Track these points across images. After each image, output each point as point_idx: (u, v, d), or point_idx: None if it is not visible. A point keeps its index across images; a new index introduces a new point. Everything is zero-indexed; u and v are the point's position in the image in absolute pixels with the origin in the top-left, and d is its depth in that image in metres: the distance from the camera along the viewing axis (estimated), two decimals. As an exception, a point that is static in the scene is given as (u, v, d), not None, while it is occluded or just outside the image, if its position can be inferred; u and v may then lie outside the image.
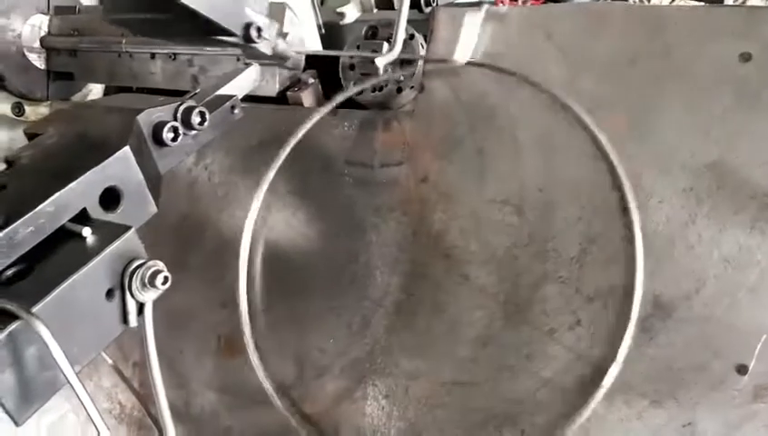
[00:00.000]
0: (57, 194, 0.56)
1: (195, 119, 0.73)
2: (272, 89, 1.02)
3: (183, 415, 1.11)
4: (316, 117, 0.98)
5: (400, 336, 0.95)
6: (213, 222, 1.10)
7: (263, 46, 0.85)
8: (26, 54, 1.23)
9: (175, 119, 0.71)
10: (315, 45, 1.00)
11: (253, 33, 0.80)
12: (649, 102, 0.83)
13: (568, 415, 0.84)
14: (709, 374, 0.77)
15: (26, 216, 0.54)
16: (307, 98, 1.06)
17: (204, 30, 0.76)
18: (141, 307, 0.58)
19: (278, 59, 0.88)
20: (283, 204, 1.04)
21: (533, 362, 0.85)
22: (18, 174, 0.64)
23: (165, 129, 0.70)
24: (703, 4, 1.31)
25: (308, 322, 1.02)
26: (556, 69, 0.88)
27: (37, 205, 0.55)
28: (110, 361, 1.17)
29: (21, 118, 1.26)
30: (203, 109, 0.74)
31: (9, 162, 0.65)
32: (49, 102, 1.27)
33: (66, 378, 0.50)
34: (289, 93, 1.06)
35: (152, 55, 1.10)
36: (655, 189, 0.81)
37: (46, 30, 1.22)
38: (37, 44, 1.23)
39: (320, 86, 1.08)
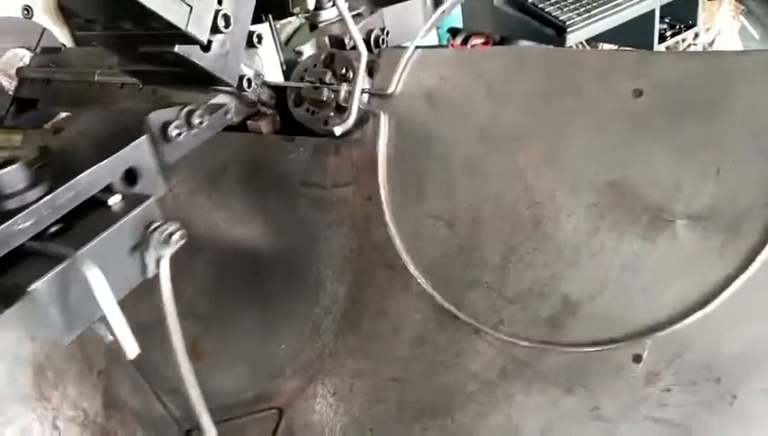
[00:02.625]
0: (90, 169, 0.70)
1: (196, 120, 0.89)
2: (232, 120, 1.13)
3: (145, 419, 1.19)
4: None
5: (347, 339, 1.06)
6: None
7: (251, 94, 1.03)
8: (2, 84, 1.32)
9: (180, 118, 0.87)
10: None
11: (245, 84, 0.98)
12: (561, 132, 0.97)
13: (494, 404, 0.95)
14: (610, 364, 0.90)
15: (66, 184, 0.67)
16: (265, 127, 1.18)
17: (207, 81, 0.90)
18: (158, 262, 0.71)
19: (240, 90, 1.01)
20: (240, 221, 1.15)
21: (462, 358, 0.97)
22: (55, 155, 0.79)
23: (171, 126, 0.85)
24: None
25: (263, 329, 1.12)
26: (483, 103, 1.01)
27: (75, 177, 0.68)
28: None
29: None
30: (203, 111, 0.90)
31: (44, 148, 0.81)
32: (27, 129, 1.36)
33: (104, 308, 0.63)
34: (249, 122, 1.17)
35: (122, 85, 1.20)
36: (565, 205, 0.94)
37: (27, 63, 1.32)
38: (12, 71, 1.33)
39: (277, 117, 1.20)
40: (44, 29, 1.26)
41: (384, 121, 1.07)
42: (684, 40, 2.78)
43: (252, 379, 1.11)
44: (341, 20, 1.13)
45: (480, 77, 1.03)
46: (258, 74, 1.04)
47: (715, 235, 0.87)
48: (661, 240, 0.89)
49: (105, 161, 0.72)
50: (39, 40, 1.32)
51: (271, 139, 1.12)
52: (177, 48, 0.80)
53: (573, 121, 0.96)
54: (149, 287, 1.17)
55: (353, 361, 1.04)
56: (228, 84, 0.92)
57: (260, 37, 1.02)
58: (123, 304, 0.67)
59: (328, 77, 1.09)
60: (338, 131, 1.05)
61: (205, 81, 0.90)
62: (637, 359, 0.88)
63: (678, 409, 0.87)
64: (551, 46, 1.34)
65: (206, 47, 0.83)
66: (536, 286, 0.94)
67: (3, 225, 0.61)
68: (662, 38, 2.13)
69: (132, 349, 0.66)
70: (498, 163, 0.99)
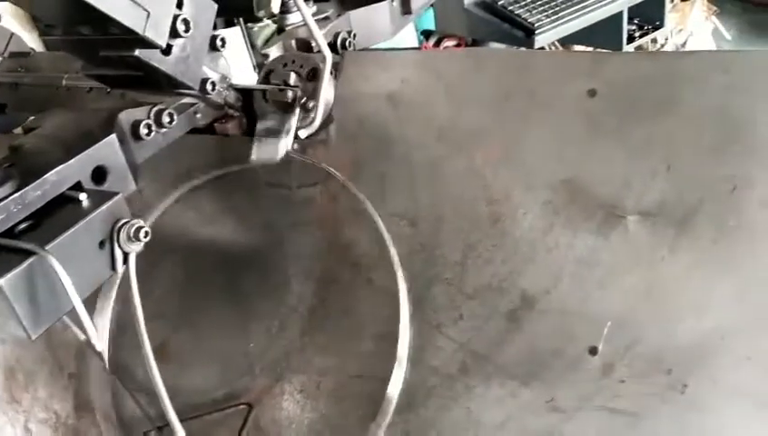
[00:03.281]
0: (59, 167, 0.72)
1: (165, 119, 0.91)
2: (200, 122, 1.15)
3: (117, 419, 1.20)
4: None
5: (314, 337, 1.08)
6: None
7: (215, 96, 1.03)
8: None
9: (149, 118, 0.89)
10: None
11: (209, 87, 0.98)
12: (518, 131, 1.00)
13: (455, 398, 0.97)
14: (566, 356, 0.92)
15: (35, 183, 0.69)
16: (232, 129, 1.19)
17: (169, 85, 0.91)
18: (125, 257, 0.73)
19: (204, 93, 1.02)
20: (209, 221, 1.16)
21: (423, 353, 0.99)
22: (25, 154, 0.80)
23: (141, 125, 0.88)
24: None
25: (232, 328, 1.13)
26: (442, 105, 1.04)
27: (44, 175, 0.70)
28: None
29: None
30: (172, 111, 0.93)
31: (14, 147, 0.82)
32: None
33: (72, 300, 0.65)
34: (216, 124, 1.19)
35: (90, 89, 1.21)
36: (521, 202, 0.96)
37: None
38: None
39: (244, 119, 1.21)
40: (12, 33, 1.27)
41: (348, 122, 1.09)
42: (654, 41, 2.83)
43: (222, 377, 1.13)
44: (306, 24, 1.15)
45: (440, 79, 1.05)
46: (224, 78, 1.05)
47: (666, 230, 0.90)
48: (614, 235, 0.92)
49: (74, 159, 0.74)
50: (7, 44, 1.33)
51: (238, 141, 1.13)
52: (137, 52, 0.81)
53: (529, 121, 0.99)
54: (118, 289, 1.19)
55: (320, 359, 1.06)
56: (190, 88, 0.94)
57: (223, 41, 1.04)
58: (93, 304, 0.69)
59: (293, 79, 1.11)
60: (303, 134, 1.08)
61: (168, 84, 0.91)
62: (593, 351, 0.91)
63: (632, 399, 0.89)
64: (513, 48, 1.36)
65: (166, 51, 0.84)
66: (495, 282, 0.96)
67: None
68: (630, 39, 2.17)
69: (99, 342, 0.68)
70: (458, 162, 1.01)
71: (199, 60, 0.92)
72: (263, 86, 1.12)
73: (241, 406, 1.11)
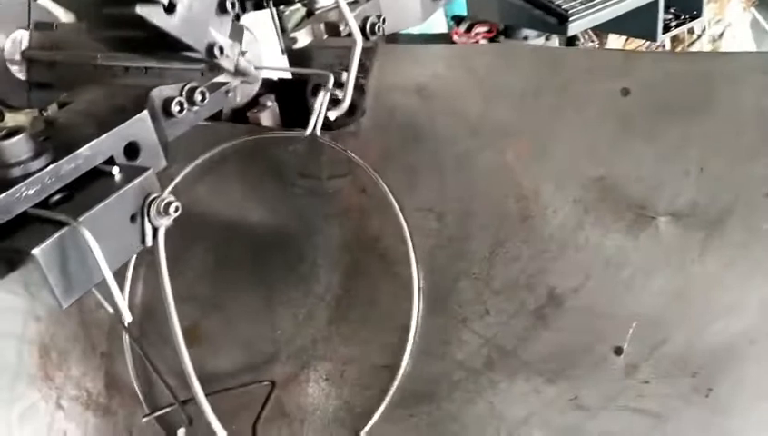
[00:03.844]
0: (93, 142, 0.73)
1: (197, 97, 0.90)
2: (234, 102, 1.15)
3: (145, 398, 1.23)
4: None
5: (339, 327, 1.09)
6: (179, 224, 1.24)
7: (226, 63, 1.00)
8: (8, 66, 1.35)
9: (181, 95, 0.89)
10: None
11: (216, 51, 0.95)
12: (549, 128, 0.99)
13: (479, 392, 0.98)
14: (592, 355, 0.92)
15: (69, 156, 0.70)
16: (265, 119, 1.21)
17: (174, 47, 0.90)
18: (155, 232, 0.74)
19: (239, 75, 1.02)
20: (240, 209, 1.18)
21: (449, 347, 1.00)
22: (59, 128, 0.80)
23: (173, 103, 0.87)
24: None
25: (260, 314, 1.15)
26: (474, 99, 1.04)
27: (77, 149, 0.71)
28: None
29: (0, 124, 1.38)
30: (204, 89, 0.91)
31: (48, 121, 0.82)
32: (27, 109, 1.40)
33: (102, 271, 0.66)
34: (249, 113, 1.20)
35: (126, 69, 1.22)
36: (551, 200, 0.96)
37: (27, 44, 1.35)
38: (18, 57, 1.36)
39: (277, 108, 1.22)
40: (30, 2, 1.29)
41: (379, 114, 1.10)
42: (690, 31, 2.77)
43: (248, 362, 1.15)
44: (337, 7, 1.15)
45: (472, 74, 1.05)
46: (235, 45, 1.02)
47: (697, 232, 0.90)
48: (644, 236, 0.92)
49: (107, 134, 0.75)
50: (29, 16, 1.34)
51: (269, 130, 1.15)
52: (138, 9, 0.78)
53: (561, 118, 0.99)
54: (149, 270, 1.21)
55: (345, 348, 1.08)
56: (195, 50, 0.91)
57: (233, 4, 1.01)
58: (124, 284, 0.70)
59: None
60: (332, 115, 1.07)
61: (172, 46, 0.90)
62: (618, 351, 0.91)
63: (656, 400, 0.89)
64: (541, 45, 1.35)
65: (169, 9, 0.81)
66: (522, 278, 0.96)
67: (7, 192, 0.64)
68: (666, 28, 2.13)
69: (126, 314, 0.69)
70: (488, 158, 1.01)
71: (205, 21, 0.90)
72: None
73: (264, 383, 1.13)
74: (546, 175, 0.97)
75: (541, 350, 0.95)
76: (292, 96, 1.23)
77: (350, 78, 1.05)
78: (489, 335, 0.98)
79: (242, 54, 1.03)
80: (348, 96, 1.05)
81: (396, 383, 1.01)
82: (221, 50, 0.96)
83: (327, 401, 1.08)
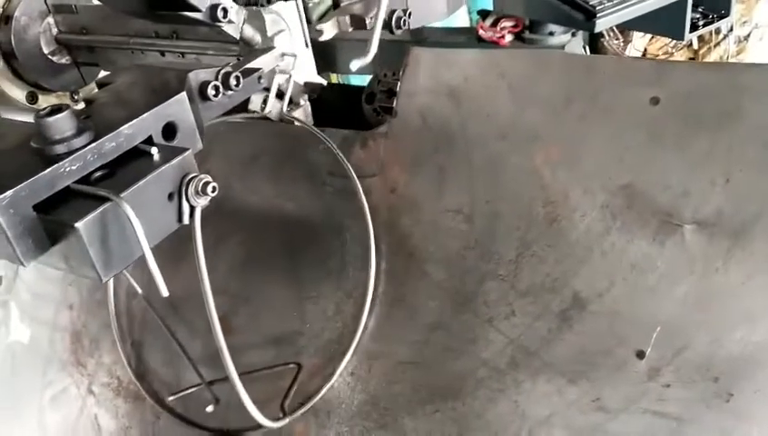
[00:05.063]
0: (134, 121, 0.75)
1: (232, 81, 0.93)
2: (275, 115, 1.19)
3: (174, 386, 1.26)
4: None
5: (367, 322, 1.12)
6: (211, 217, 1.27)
7: (230, 29, 1.02)
8: (43, 49, 1.39)
9: (216, 79, 0.91)
10: (307, 62, 1.20)
11: (219, 13, 0.96)
12: (579, 134, 1.01)
13: (503, 390, 1.00)
14: (614, 358, 0.95)
15: (110, 134, 0.72)
16: (299, 117, 1.24)
17: (176, 5, 0.91)
18: (192, 211, 0.75)
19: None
20: (271, 206, 1.21)
21: (474, 345, 1.02)
22: (100, 108, 0.83)
23: (209, 87, 0.89)
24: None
25: (289, 308, 1.18)
26: (505, 103, 1.06)
27: (119, 128, 0.73)
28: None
29: (34, 106, 1.42)
30: (239, 74, 0.93)
31: (89, 101, 0.85)
32: (59, 92, 1.44)
33: (142, 246, 0.67)
34: (284, 111, 1.23)
35: (162, 53, 1.25)
36: (579, 205, 0.98)
37: (57, 29, 1.39)
38: (52, 42, 1.40)
39: (310, 107, 1.25)
40: None
41: (411, 117, 1.12)
42: (717, 31, 2.75)
43: (277, 354, 1.18)
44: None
45: (503, 78, 1.07)
46: (241, 10, 1.05)
47: (722, 241, 0.92)
48: (669, 243, 0.94)
49: (147, 113, 0.77)
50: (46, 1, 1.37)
51: (302, 129, 1.17)
52: None
53: (590, 124, 1.00)
54: (182, 261, 1.24)
55: (372, 344, 1.11)
56: (197, 10, 0.93)
57: None
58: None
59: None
60: (354, 66, 1.09)
61: (175, 4, 0.91)
62: (640, 355, 0.93)
63: (677, 403, 0.91)
64: (571, 52, 1.36)
65: None
66: (548, 281, 0.99)
67: (51, 168, 0.66)
68: (693, 27, 2.12)
69: (163, 287, 0.71)
70: (517, 161, 1.04)
71: None
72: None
73: (291, 365, 1.16)
74: (575, 180, 0.99)
75: (564, 351, 0.97)
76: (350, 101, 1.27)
77: (376, 32, 1.07)
78: (514, 336, 1.00)
79: (271, 38, 1.04)
80: (373, 47, 1.06)
81: (422, 380, 1.04)
82: (225, 12, 0.96)
83: (352, 395, 1.11)
